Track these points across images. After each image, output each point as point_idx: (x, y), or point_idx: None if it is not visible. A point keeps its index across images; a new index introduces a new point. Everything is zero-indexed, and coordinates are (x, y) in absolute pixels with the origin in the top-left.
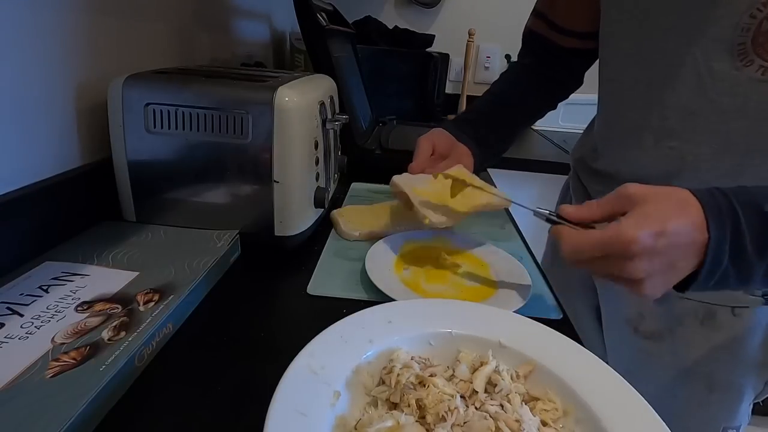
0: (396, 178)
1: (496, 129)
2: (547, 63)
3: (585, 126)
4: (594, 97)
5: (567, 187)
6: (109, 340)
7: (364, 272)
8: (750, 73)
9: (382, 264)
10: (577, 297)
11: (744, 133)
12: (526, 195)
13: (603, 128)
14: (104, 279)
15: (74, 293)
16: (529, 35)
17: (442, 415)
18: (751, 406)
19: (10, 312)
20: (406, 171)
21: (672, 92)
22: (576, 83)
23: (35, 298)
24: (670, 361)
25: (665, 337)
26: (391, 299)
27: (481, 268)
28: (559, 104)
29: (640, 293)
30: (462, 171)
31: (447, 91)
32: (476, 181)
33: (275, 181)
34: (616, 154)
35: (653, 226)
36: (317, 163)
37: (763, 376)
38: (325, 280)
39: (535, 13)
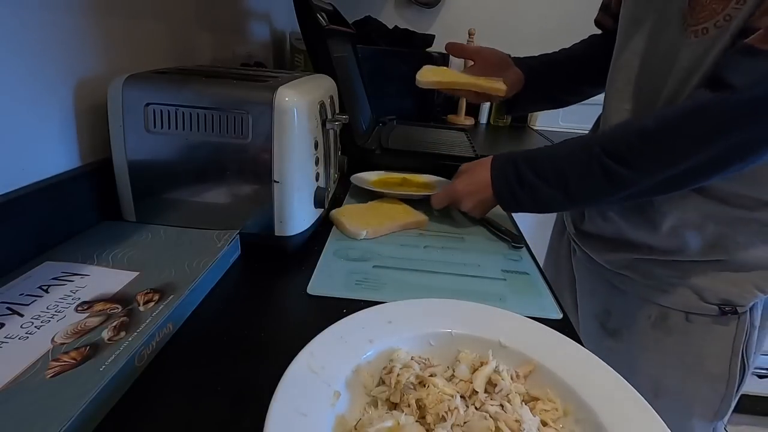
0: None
1: (547, 77)
2: (600, 53)
3: (585, 126)
4: (594, 97)
5: None
6: (109, 340)
7: (364, 272)
8: None
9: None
10: (563, 298)
11: None
12: None
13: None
14: (104, 279)
15: (74, 293)
16: (596, 26)
17: (442, 415)
18: (716, 426)
19: (10, 312)
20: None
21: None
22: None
23: (35, 298)
24: (623, 360)
25: (624, 335)
26: (391, 299)
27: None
28: None
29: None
30: (498, 82)
31: None
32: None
33: (275, 181)
34: None
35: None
36: (317, 163)
37: (718, 391)
38: (325, 280)
39: (602, 6)
